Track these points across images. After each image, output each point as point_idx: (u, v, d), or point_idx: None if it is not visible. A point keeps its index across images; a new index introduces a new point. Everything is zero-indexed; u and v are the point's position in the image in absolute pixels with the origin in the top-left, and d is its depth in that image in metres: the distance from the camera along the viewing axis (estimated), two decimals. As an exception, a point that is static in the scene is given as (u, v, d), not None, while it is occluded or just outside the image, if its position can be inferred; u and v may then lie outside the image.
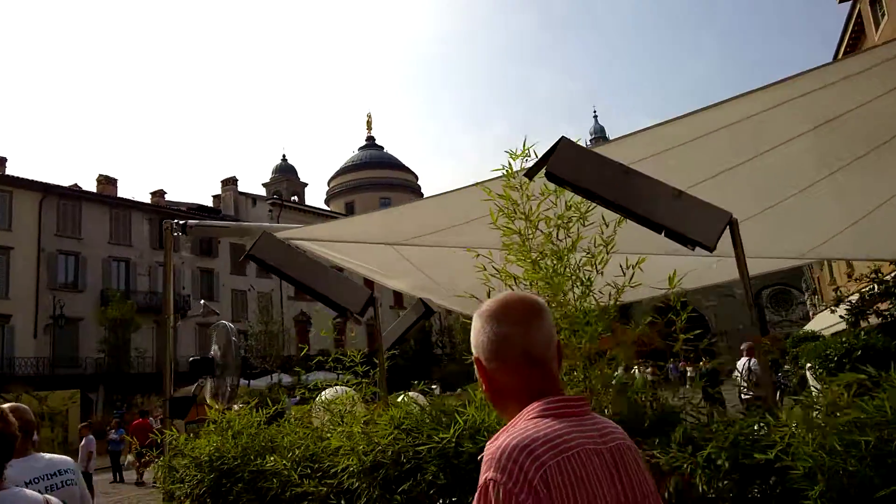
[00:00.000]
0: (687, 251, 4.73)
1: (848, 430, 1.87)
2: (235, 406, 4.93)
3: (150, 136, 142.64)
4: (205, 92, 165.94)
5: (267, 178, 63.54)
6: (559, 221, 2.83)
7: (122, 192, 39.34)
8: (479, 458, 1.21)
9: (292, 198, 56.82)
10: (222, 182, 46.21)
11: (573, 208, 2.75)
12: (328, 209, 60.74)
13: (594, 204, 2.71)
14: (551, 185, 2.93)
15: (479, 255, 2.87)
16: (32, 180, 33.11)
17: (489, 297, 3.00)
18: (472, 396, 3.08)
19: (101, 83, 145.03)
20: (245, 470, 3.93)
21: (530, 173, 2.78)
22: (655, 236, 3.02)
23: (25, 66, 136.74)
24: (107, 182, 38.52)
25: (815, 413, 2.09)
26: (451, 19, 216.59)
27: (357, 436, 3.23)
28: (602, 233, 2.76)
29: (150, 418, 18.67)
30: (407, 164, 74.62)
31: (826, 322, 21.28)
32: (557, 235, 2.87)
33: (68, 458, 2.93)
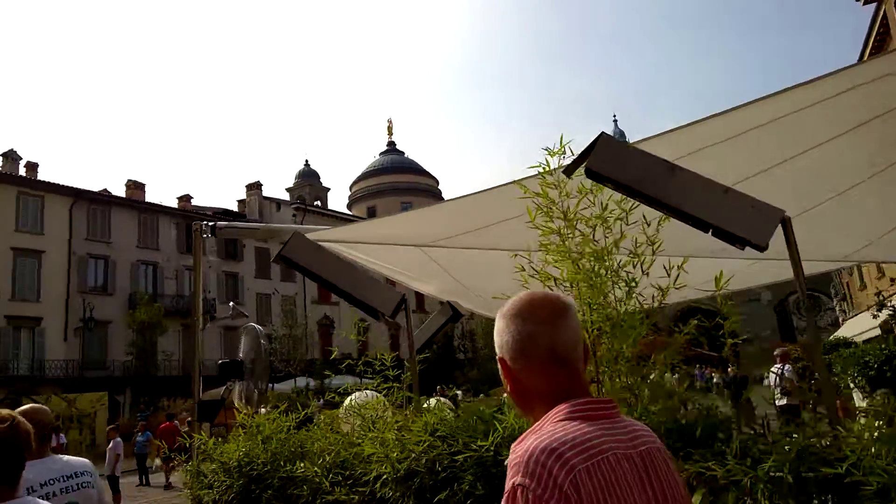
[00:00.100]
0: (724, 252, 4.59)
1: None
2: (262, 410, 4.88)
3: (178, 142, 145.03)
4: (230, 99, 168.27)
5: (290, 182, 64.17)
6: (599, 220, 2.72)
7: (150, 196, 39.98)
8: (504, 461, 1.17)
9: (315, 202, 57.22)
10: (247, 187, 46.69)
11: (615, 205, 2.64)
12: (350, 213, 61.07)
13: (634, 202, 2.60)
14: (587, 184, 2.82)
15: (517, 255, 2.77)
16: (63, 185, 33.77)
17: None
18: (501, 401, 2.99)
19: (131, 90, 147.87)
20: (275, 476, 3.87)
21: (569, 170, 2.68)
22: (695, 236, 2.89)
23: (58, 75, 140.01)
24: (135, 187, 39.15)
25: (880, 424, 1.95)
26: (471, 25, 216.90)
27: (391, 442, 3.13)
28: (644, 232, 2.64)
29: (175, 421, 18.81)
30: (428, 169, 74.77)
31: (858, 328, 20.77)
32: (596, 234, 2.76)
33: (86, 461, 2.90)
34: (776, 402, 8.71)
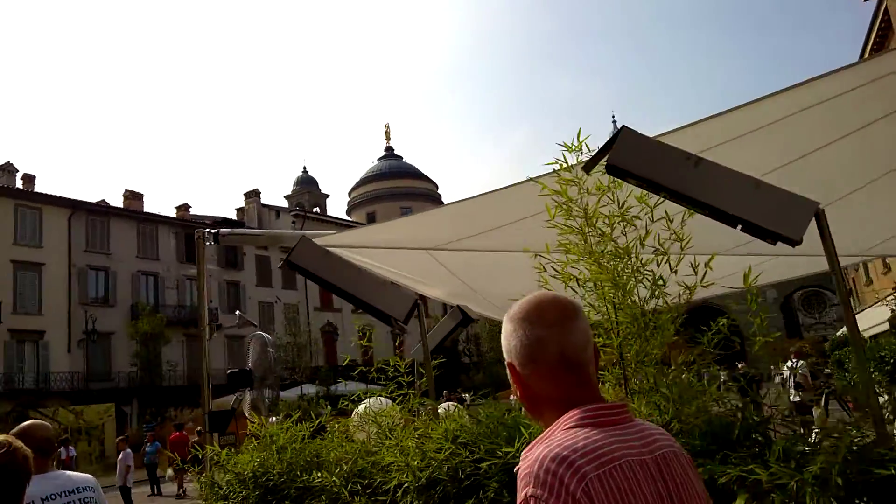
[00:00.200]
0: (738, 250, 4.52)
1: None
2: (273, 419, 4.80)
3: (175, 152, 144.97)
4: (227, 107, 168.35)
5: (289, 190, 64.17)
6: (620, 217, 2.65)
7: (148, 206, 39.91)
8: (514, 469, 1.14)
9: (314, 209, 57.22)
10: (245, 195, 46.66)
11: (637, 202, 2.57)
12: (350, 219, 61.03)
13: (659, 198, 2.53)
14: (605, 180, 2.75)
15: (537, 255, 2.69)
16: (61, 197, 33.73)
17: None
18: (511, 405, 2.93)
19: (127, 100, 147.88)
20: (291, 486, 3.79)
21: (588, 166, 2.60)
22: (717, 233, 2.82)
23: (53, 86, 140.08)
24: (133, 197, 39.10)
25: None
26: (467, 28, 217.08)
27: (411, 450, 3.06)
28: (669, 227, 2.57)
29: (184, 431, 18.77)
30: (426, 173, 74.77)
31: (866, 323, 20.70)
32: (620, 231, 2.69)
33: (90, 476, 2.90)
34: (790, 398, 8.65)
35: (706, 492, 1.22)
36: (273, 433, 4.19)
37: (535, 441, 1.16)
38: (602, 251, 2.64)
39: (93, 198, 38.54)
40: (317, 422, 4.23)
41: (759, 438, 2.23)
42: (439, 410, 3.94)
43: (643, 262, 2.69)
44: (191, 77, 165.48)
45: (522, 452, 1.15)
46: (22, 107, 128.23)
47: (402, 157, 75.48)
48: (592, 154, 2.73)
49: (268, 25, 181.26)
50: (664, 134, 2.65)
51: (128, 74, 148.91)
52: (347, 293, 3.77)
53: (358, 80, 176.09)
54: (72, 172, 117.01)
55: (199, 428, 18.64)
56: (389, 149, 75.80)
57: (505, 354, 1.25)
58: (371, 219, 63.08)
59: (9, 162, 34.79)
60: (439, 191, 74.64)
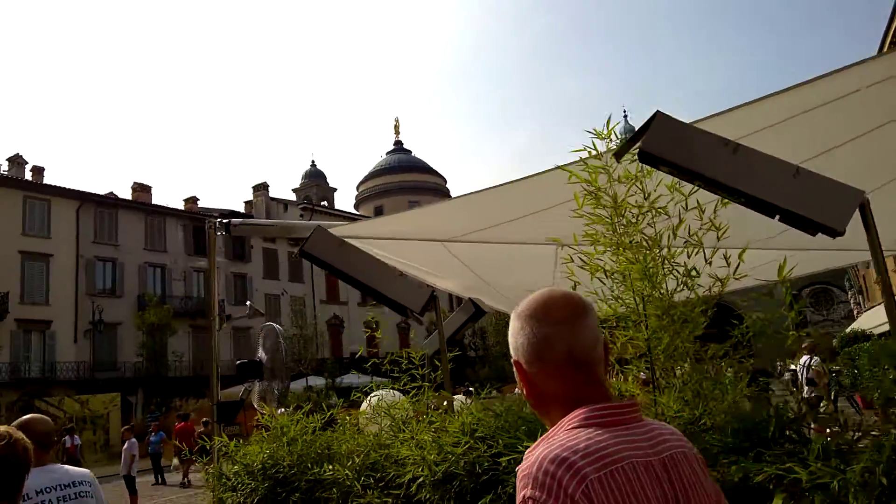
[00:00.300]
0: (764, 243, 4.41)
1: None
2: (280, 410, 4.74)
3: (183, 144, 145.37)
4: (236, 100, 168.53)
5: (297, 183, 64.17)
6: (650, 206, 2.56)
7: (157, 199, 39.93)
8: (516, 469, 1.12)
9: (322, 203, 57.16)
10: (254, 188, 46.68)
11: (670, 189, 2.47)
12: (358, 213, 61.03)
13: (693, 187, 2.43)
14: (632, 169, 2.66)
15: (563, 245, 2.60)
16: (70, 189, 33.78)
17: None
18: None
19: (136, 93, 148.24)
20: (301, 479, 3.73)
21: (619, 153, 2.51)
22: (745, 224, 2.72)
23: (62, 78, 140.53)
24: (141, 189, 39.16)
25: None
26: (476, 23, 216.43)
27: (427, 444, 2.98)
28: (701, 217, 2.47)
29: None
30: (435, 167, 74.63)
31: (876, 320, 20.51)
32: (647, 222, 2.60)
33: (87, 471, 2.90)
34: (802, 395, 8.53)
35: (720, 493, 1.18)
36: (284, 424, 4.13)
37: (539, 440, 1.14)
38: (631, 241, 2.55)
39: (101, 190, 38.60)
40: (328, 413, 4.16)
41: (795, 436, 2.13)
42: (455, 404, 3.87)
43: (672, 253, 2.60)
44: (201, 71, 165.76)
45: (526, 452, 1.13)
46: (31, 99, 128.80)
47: (410, 152, 75.37)
48: (620, 142, 2.65)
49: (278, 20, 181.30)
50: (697, 122, 2.55)
51: (138, 68, 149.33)
52: (362, 283, 3.69)
53: (367, 74, 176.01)
54: (81, 165, 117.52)
55: (204, 419, 18.68)
56: (398, 143, 75.69)
57: (511, 352, 1.23)
58: (379, 213, 63.01)
59: (18, 154, 34.91)
60: (448, 185, 74.52)
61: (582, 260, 2.53)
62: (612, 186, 2.62)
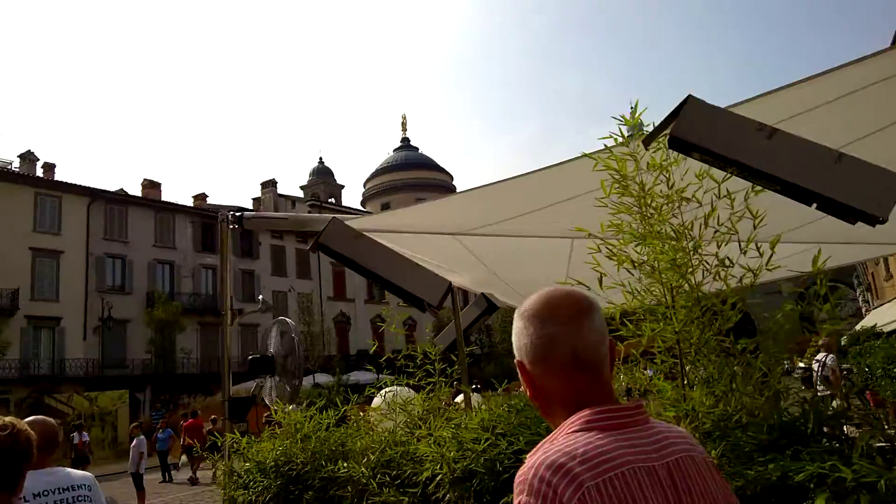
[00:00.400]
0: (788, 237, 4.30)
1: None
2: (290, 407, 4.68)
3: (193, 141, 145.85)
4: (245, 97, 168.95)
5: (304, 180, 64.29)
6: (679, 195, 2.46)
7: (166, 195, 40.04)
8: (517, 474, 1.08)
9: (329, 200, 57.22)
10: (262, 185, 46.73)
11: (699, 177, 2.38)
12: (365, 210, 61.03)
13: (725, 173, 2.34)
14: (658, 157, 2.57)
15: (590, 234, 2.52)
16: (80, 185, 33.89)
17: (601, 285, 2.68)
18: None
19: (147, 90, 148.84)
20: (315, 476, 3.66)
21: (648, 140, 2.42)
22: (775, 213, 2.63)
23: (74, 76, 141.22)
24: (151, 186, 39.27)
25: None
26: (482, 20, 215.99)
27: (447, 441, 2.90)
28: (731, 206, 2.38)
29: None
30: (442, 165, 74.56)
31: (887, 318, 20.33)
32: (671, 212, 2.51)
33: (88, 475, 2.86)
34: (817, 392, 8.42)
35: (732, 497, 1.13)
36: (297, 421, 4.07)
37: (541, 443, 1.11)
38: (660, 231, 2.46)
39: (112, 186, 38.75)
40: (342, 409, 4.09)
41: (836, 432, 2.04)
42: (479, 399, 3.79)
43: (700, 242, 2.51)
44: (211, 68, 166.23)
45: (529, 454, 1.09)
46: (43, 96, 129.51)
47: (417, 149, 75.34)
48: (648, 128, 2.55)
49: (286, 17, 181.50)
50: (732, 106, 2.45)
51: (148, 65, 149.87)
52: (379, 276, 3.61)
53: (375, 70, 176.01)
54: (91, 161, 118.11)
55: (213, 416, 18.69)
56: (405, 140, 75.69)
57: (515, 352, 1.20)
58: (386, 210, 62.85)
59: (29, 150, 35.11)
60: (454, 182, 74.45)
61: (609, 250, 2.44)
62: (640, 174, 2.53)
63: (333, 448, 3.82)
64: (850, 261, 7.07)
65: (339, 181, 63.94)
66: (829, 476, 1.83)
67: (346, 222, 4.21)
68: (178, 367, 34.30)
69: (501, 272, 5.96)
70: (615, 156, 2.58)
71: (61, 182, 33.61)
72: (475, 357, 42.10)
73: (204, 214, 38.31)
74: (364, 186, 74.86)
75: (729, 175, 2.25)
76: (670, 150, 2.46)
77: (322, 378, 31.31)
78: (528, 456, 1.09)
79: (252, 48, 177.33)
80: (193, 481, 17.01)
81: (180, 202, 39.60)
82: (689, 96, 2.27)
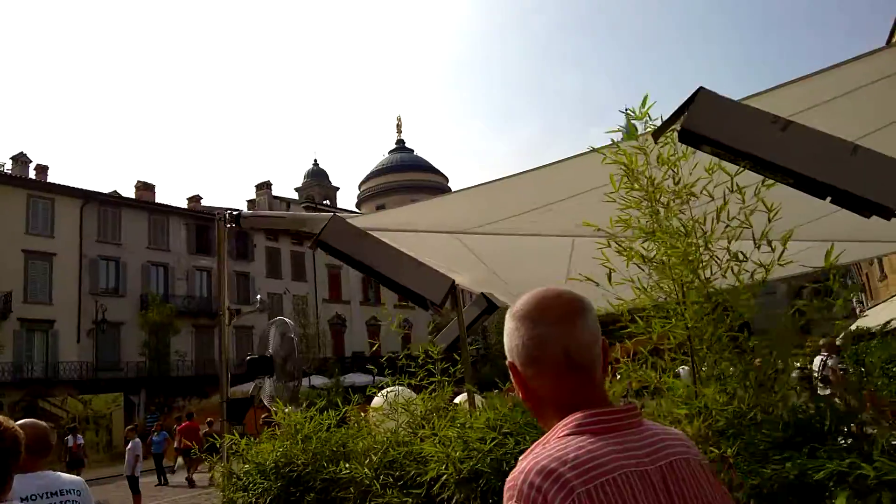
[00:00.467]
0: (796, 234, 4.27)
1: None
2: (288, 408, 4.62)
3: (187, 143, 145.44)
4: (238, 99, 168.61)
5: (299, 182, 64.18)
6: (689, 189, 2.42)
7: (160, 197, 39.88)
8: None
9: (324, 201, 57.14)
10: (256, 187, 46.64)
11: (709, 171, 2.34)
12: (360, 212, 60.96)
13: (738, 167, 2.30)
14: (665, 151, 2.53)
15: (599, 229, 2.48)
16: (73, 187, 33.71)
17: (610, 281, 2.64)
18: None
19: (139, 92, 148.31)
20: (317, 478, 3.61)
21: (658, 133, 2.38)
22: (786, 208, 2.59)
23: (66, 77, 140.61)
24: (145, 188, 39.10)
25: None
26: (479, 21, 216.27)
27: (453, 441, 2.85)
28: (743, 199, 2.34)
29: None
30: (441, 166, 74.71)
31: (882, 318, 20.38)
32: (678, 207, 2.47)
33: (79, 479, 2.84)
34: (818, 392, 8.38)
35: (729, 498, 1.12)
36: (297, 422, 4.01)
37: (532, 446, 1.10)
38: (670, 226, 2.42)
39: (105, 188, 38.59)
40: (343, 410, 4.04)
41: (854, 430, 2.01)
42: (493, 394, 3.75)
43: (711, 237, 2.47)
44: (204, 70, 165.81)
45: (521, 457, 1.07)
46: (35, 98, 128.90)
47: (413, 150, 75.39)
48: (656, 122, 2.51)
49: (280, 18, 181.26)
50: (744, 99, 2.42)
51: (142, 67, 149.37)
52: (380, 273, 3.56)
53: (369, 72, 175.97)
54: (84, 163, 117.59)
55: (209, 419, 18.59)
56: (401, 142, 75.73)
57: (507, 353, 1.18)
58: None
59: (22, 152, 34.90)
60: (450, 184, 74.46)
61: (619, 245, 2.40)
62: (649, 168, 2.49)
63: (335, 449, 3.77)
64: (852, 259, 7.07)
65: (334, 183, 63.91)
66: (849, 474, 1.79)
67: (350, 220, 4.16)
68: (172, 369, 34.13)
69: (501, 271, 5.92)
70: (623, 150, 2.54)
71: (54, 184, 33.43)
72: (473, 358, 42.08)
73: (198, 216, 38.16)
74: (359, 188, 74.89)
75: (742, 169, 2.21)
76: (679, 145, 2.43)
77: (318, 380, 31.20)
78: (520, 458, 1.07)
79: (246, 49, 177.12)
80: (191, 484, 16.92)
81: (174, 204, 39.46)
82: (701, 88, 2.23)
